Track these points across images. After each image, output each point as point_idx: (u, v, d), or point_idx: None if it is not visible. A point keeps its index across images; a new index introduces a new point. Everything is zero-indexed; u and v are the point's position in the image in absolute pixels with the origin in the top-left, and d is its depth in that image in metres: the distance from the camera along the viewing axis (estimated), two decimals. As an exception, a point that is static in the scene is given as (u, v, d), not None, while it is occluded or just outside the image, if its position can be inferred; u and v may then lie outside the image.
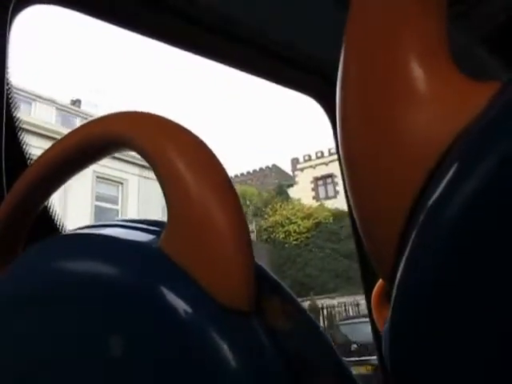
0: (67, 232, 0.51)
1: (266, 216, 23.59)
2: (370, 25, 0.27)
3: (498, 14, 1.19)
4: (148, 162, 0.38)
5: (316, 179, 26.61)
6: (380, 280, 1.32)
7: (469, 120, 0.24)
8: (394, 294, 0.26)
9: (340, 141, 0.29)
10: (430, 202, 0.24)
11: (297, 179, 26.76)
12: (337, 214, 20.59)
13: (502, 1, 1.17)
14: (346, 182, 0.29)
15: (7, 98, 0.74)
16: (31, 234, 0.52)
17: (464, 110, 0.24)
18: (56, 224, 0.76)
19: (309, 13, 1.12)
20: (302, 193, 24.98)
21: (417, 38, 0.26)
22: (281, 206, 23.62)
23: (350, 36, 0.28)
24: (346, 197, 1.50)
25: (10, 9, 0.76)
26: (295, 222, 22.04)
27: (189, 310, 0.35)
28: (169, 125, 0.40)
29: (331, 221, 20.86)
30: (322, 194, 26.11)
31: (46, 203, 0.69)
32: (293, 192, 25.58)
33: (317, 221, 21.33)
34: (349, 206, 1.49)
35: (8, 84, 0.75)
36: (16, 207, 0.48)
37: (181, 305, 0.35)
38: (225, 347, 0.34)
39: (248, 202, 24.83)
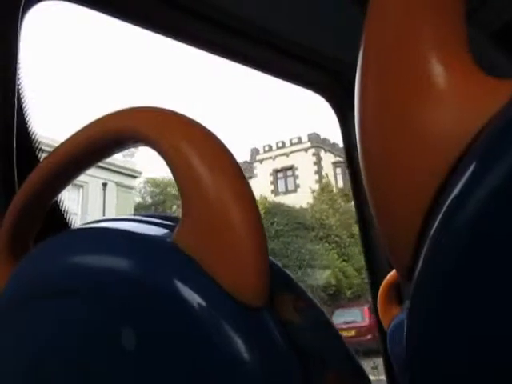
0: (79, 227, 0.51)
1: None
2: (389, 23, 0.27)
3: (506, 11, 1.19)
4: (162, 156, 0.39)
5: (276, 171, 24.61)
6: (386, 279, 1.32)
7: (488, 118, 0.24)
8: (411, 293, 0.26)
9: (358, 139, 0.29)
10: (450, 199, 0.24)
11: (255, 171, 24.63)
12: (270, 208, 18.34)
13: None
14: (364, 179, 0.29)
15: (19, 94, 0.74)
16: (42, 230, 0.52)
17: (484, 108, 0.24)
18: (67, 219, 0.76)
19: (321, 10, 1.12)
20: (260, 186, 22.19)
21: (436, 35, 0.26)
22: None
23: (369, 34, 0.28)
24: (354, 196, 1.50)
25: (21, 5, 0.76)
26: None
27: (203, 304, 0.35)
28: (183, 120, 0.40)
29: (263, 215, 18.05)
30: (281, 187, 24.39)
31: (56, 199, 0.69)
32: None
33: None
34: (356, 202, 1.49)
35: (20, 81, 0.75)
36: (27, 203, 0.49)
37: (195, 299, 0.35)
38: (238, 341, 0.34)
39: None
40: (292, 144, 25.17)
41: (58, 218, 0.75)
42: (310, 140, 24.68)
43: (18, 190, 0.50)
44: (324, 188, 21.98)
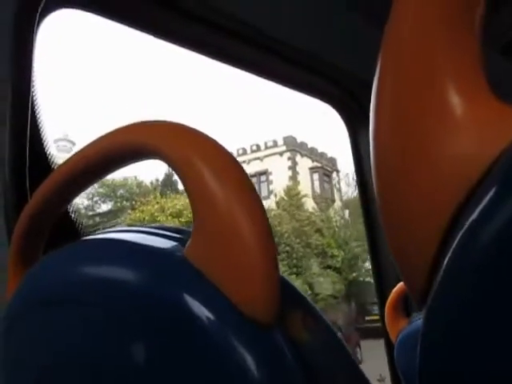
0: (89, 237, 0.52)
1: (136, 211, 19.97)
2: (406, 48, 0.27)
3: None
4: (174, 170, 0.39)
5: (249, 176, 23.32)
6: (394, 291, 1.32)
7: (506, 143, 0.24)
8: (425, 316, 0.26)
9: (373, 159, 0.29)
10: (468, 223, 0.24)
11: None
12: None
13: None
14: (377, 199, 0.29)
15: (32, 102, 0.75)
16: (53, 239, 0.52)
17: (502, 134, 0.24)
18: (77, 229, 0.77)
19: (336, 25, 1.13)
20: None
21: (453, 61, 0.26)
22: (155, 198, 19.97)
23: (386, 57, 0.28)
24: (363, 209, 1.50)
25: (38, 13, 0.77)
26: (158, 221, 17.77)
27: (212, 318, 0.35)
28: (195, 134, 0.40)
29: None
30: (254, 193, 23.17)
31: (67, 208, 0.70)
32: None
33: (188, 219, 16.59)
34: (364, 215, 1.49)
35: (34, 88, 0.76)
36: (38, 211, 0.49)
37: (205, 313, 0.35)
38: (247, 358, 0.34)
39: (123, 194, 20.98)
40: (267, 147, 24.05)
41: (68, 227, 0.75)
42: (285, 143, 23.53)
43: (29, 199, 0.50)
44: (288, 192, 20.86)
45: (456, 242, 0.24)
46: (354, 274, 20.70)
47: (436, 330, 0.25)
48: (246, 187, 0.38)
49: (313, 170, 23.50)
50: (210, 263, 0.37)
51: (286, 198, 20.78)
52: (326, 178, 23.37)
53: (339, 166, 24.78)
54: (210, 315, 0.35)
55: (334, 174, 23.83)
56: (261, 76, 1.23)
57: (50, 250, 0.48)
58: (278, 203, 20.17)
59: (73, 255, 0.46)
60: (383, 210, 0.29)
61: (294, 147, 23.56)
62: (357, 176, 1.52)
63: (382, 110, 0.28)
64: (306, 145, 24.39)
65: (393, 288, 1.32)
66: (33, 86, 0.76)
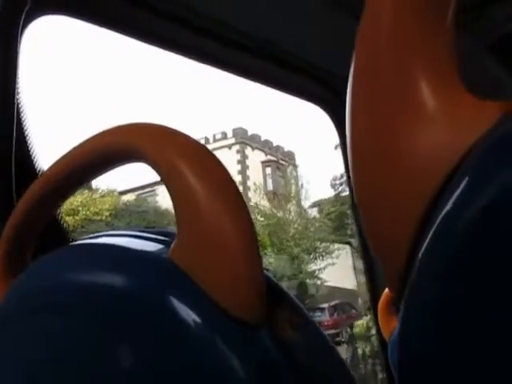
0: (77, 242, 0.51)
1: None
2: (379, 43, 0.27)
3: (504, 24, 1.19)
4: (158, 173, 0.39)
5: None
6: (386, 291, 1.32)
7: (476, 138, 0.24)
8: (403, 306, 0.26)
9: (350, 156, 0.29)
10: (441, 215, 0.24)
11: None
12: (124, 209, 14.30)
13: (508, 10, 1.18)
14: (355, 195, 0.29)
15: (18, 107, 0.74)
16: (41, 244, 0.52)
17: (472, 129, 0.25)
18: (66, 234, 0.76)
19: (318, 23, 1.13)
20: None
21: (426, 57, 0.26)
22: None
23: (360, 53, 0.29)
24: (353, 209, 1.50)
25: (22, 19, 0.77)
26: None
27: (198, 321, 0.35)
28: (179, 137, 0.40)
29: (107, 218, 13.59)
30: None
31: (55, 213, 0.69)
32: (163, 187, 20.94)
33: (84, 217, 13.70)
34: (355, 216, 1.49)
35: (19, 93, 0.75)
36: (26, 216, 0.49)
37: (190, 316, 0.35)
38: (234, 359, 0.34)
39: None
40: (215, 140, 22.57)
41: (56, 232, 0.74)
42: (234, 135, 21.99)
43: (16, 205, 0.50)
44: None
45: (430, 233, 0.25)
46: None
47: (412, 323, 0.26)
48: (229, 189, 0.38)
49: (265, 163, 21.93)
50: (195, 265, 0.37)
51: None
52: (280, 173, 21.52)
53: (298, 161, 23.41)
54: (196, 317, 0.35)
55: (291, 169, 21.78)
56: (246, 77, 1.23)
57: (38, 255, 0.48)
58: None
59: (60, 261, 0.45)
60: (360, 202, 0.29)
61: (244, 139, 22.03)
62: (347, 178, 1.52)
63: (357, 103, 0.29)
64: (259, 137, 22.89)
65: (385, 288, 1.32)
66: (18, 93, 0.76)
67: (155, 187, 19.26)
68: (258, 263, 0.37)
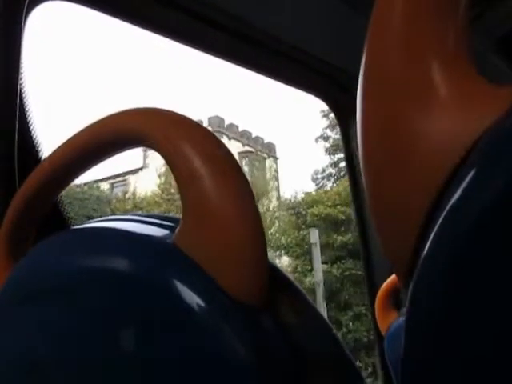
0: (79, 226, 0.51)
1: None
2: (391, 31, 0.27)
3: (510, 18, 1.19)
4: (164, 158, 0.39)
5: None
6: (385, 284, 1.32)
7: (488, 125, 0.24)
8: (410, 295, 0.26)
9: (360, 142, 0.29)
10: (450, 202, 0.24)
11: (147, 161, 19.22)
12: (65, 196, 9.49)
13: (511, 7, 1.18)
14: (365, 182, 0.29)
15: (21, 94, 0.74)
16: (42, 229, 0.52)
17: (484, 114, 0.24)
18: (67, 219, 0.77)
19: (322, 17, 1.13)
20: (152, 179, 16.95)
21: (438, 43, 0.26)
22: None
23: (371, 43, 0.29)
24: (353, 202, 1.50)
25: (25, 5, 0.76)
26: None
27: (202, 304, 0.35)
28: (185, 122, 0.40)
29: None
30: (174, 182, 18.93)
31: (57, 198, 0.69)
32: (139, 179, 18.67)
33: None
34: (355, 209, 1.49)
35: (22, 80, 0.75)
36: (28, 202, 0.49)
37: (194, 299, 0.35)
38: (236, 341, 0.34)
39: None
40: None
41: (58, 217, 0.75)
42: (210, 124, 20.35)
43: (18, 190, 0.50)
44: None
45: (435, 230, 0.25)
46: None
47: (419, 315, 0.26)
48: (235, 174, 0.38)
49: (242, 154, 20.59)
50: (200, 249, 0.37)
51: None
52: (258, 164, 20.43)
53: (278, 153, 22.05)
54: (200, 300, 0.35)
55: (271, 161, 21.00)
56: (253, 70, 1.23)
57: (39, 240, 0.48)
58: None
59: (62, 245, 0.45)
60: (370, 198, 0.29)
61: (220, 129, 20.81)
62: (348, 170, 1.52)
63: (366, 96, 0.29)
64: (237, 127, 21.97)
65: (383, 282, 1.32)
66: (21, 80, 0.75)
67: (127, 177, 19.02)
68: (262, 248, 0.37)
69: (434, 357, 0.25)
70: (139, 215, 0.47)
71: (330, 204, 11.87)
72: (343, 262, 10.91)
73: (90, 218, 0.62)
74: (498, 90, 0.25)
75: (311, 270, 10.30)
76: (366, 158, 0.29)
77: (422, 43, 0.26)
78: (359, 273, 9.81)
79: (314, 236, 9.80)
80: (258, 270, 0.36)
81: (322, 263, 10.43)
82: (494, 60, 1.26)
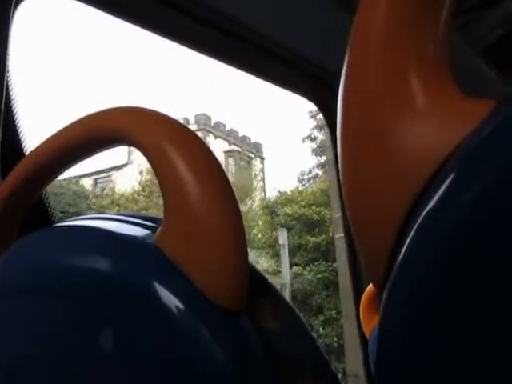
0: (61, 224, 0.51)
1: None
2: (372, 37, 0.28)
3: (496, 28, 1.20)
4: (146, 158, 0.39)
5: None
6: (369, 286, 1.33)
7: (465, 135, 0.24)
8: (383, 303, 0.26)
9: (339, 148, 0.30)
10: (425, 211, 0.25)
11: (132, 157, 18.41)
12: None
13: (500, 15, 1.19)
14: (343, 188, 0.30)
15: (7, 88, 0.74)
16: (26, 225, 0.51)
17: (460, 126, 0.25)
18: (50, 215, 0.76)
19: (309, 16, 1.13)
20: (132, 177, 16.36)
21: (417, 53, 0.26)
22: None
23: (353, 47, 0.29)
24: (342, 206, 1.50)
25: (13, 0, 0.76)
26: None
27: (181, 306, 0.35)
28: (168, 122, 0.40)
29: None
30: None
31: (40, 194, 0.69)
32: (123, 175, 18.17)
33: None
34: (343, 212, 1.49)
35: (8, 74, 0.75)
36: (10, 196, 0.48)
37: (173, 301, 0.35)
38: (215, 345, 0.34)
39: None
40: None
41: (42, 214, 0.74)
42: (196, 122, 20.38)
43: (1, 184, 0.49)
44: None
45: (409, 237, 0.25)
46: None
47: (393, 322, 0.26)
48: (218, 177, 0.38)
49: (228, 153, 20.41)
50: (180, 251, 0.37)
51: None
52: (244, 164, 20.25)
53: (265, 153, 21.75)
54: (179, 303, 0.35)
55: (258, 161, 20.72)
56: (238, 68, 1.22)
57: (22, 236, 0.48)
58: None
59: (44, 242, 0.45)
60: (347, 198, 0.29)
61: (206, 127, 20.62)
62: (337, 172, 1.53)
63: (348, 99, 0.29)
64: (224, 126, 21.69)
65: (368, 284, 1.33)
66: (8, 73, 0.75)
67: (111, 173, 18.65)
68: (243, 252, 0.37)
69: (407, 366, 0.25)
70: (122, 215, 0.47)
71: (304, 204, 11.49)
72: (316, 264, 10.62)
73: (64, 212, 0.61)
74: (475, 103, 0.25)
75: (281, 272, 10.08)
76: (344, 165, 0.29)
77: (401, 55, 0.27)
78: (332, 276, 9.70)
79: (283, 237, 9.66)
80: (239, 273, 0.36)
81: (295, 265, 10.24)
82: (482, 68, 1.27)
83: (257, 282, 0.39)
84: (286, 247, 9.60)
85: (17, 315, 0.43)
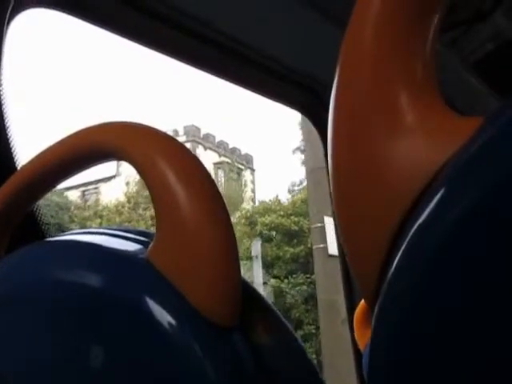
0: (53, 238, 0.51)
1: None
2: (362, 55, 0.28)
3: (486, 43, 1.22)
4: (139, 173, 0.39)
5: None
6: (362, 301, 1.32)
7: (451, 153, 0.25)
8: (374, 318, 0.26)
9: (330, 164, 0.30)
10: (414, 228, 0.25)
11: (120, 169, 18.14)
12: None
13: (490, 30, 1.20)
14: (334, 204, 0.30)
15: None
16: (17, 238, 0.51)
17: (448, 143, 0.25)
18: (42, 229, 0.76)
19: (299, 28, 1.14)
20: (120, 189, 16.13)
21: (405, 71, 0.27)
22: None
23: (342, 65, 0.29)
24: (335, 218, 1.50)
25: (8, 12, 0.76)
26: None
27: (173, 322, 0.35)
28: (160, 136, 0.40)
29: None
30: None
31: (31, 208, 0.68)
32: (110, 187, 18.07)
33: None
34: (336, 222, 1.49)
35: (1, 88, 0.74)
36: (2, 210, 0.48)
37: (165, 317, 0.35)
38: (207, 360, 0.34)
39: None
40: None
41: (33, 227, 0.74)
42: (185, 133, 20.43)
43: None
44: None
45: (402, 248, 0.25)
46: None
47: (384, 334, 0.26)
48: (210, 191, 0.38)
49: (217, 165, 20.21)
50: (172, 266, 0.37)
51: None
52: (234, 176, 20.04)
53: (256, 165, 21.73)
54: (171, 318, 0.35)
55: (248, 173, 20.68)
56: (227, 80, 1.23)
57: (13, 250, 0.48)
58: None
59: (34, 256, 0.45)
60: (338, 212, 0.30)
61: (196, 138, 20.63)
62: (329, 184, 1.52)
63: (338, 114, 0.29)
64: (214, 137, 21.68)
65: (361, 299, 1.32)
66: (0, 86, 0.75)
67: (99, 184, 18.47)
68: (235, 267, 0.37)
69: (399, 381, 0.25)
70: (114, 229, 0.47)
71: (282, 214, 11.35)
72: (294, 276, 10.28)
73: (46, 224, 0.61)
74: (463, 121, 0.26)
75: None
76: (335, 180, 0.29)
77: (390, 72, 0.27)
78: (310, 289, 9.46)
79: (256, 248, 9.26)
80: (231, 288, 0.36)
81: (273, 277, 9.94)
82: (472, 83, 1.29)
83: (249, 296, 0.39)
84: (260, 259, 9.18)
85: (6, 329, 0.43)
